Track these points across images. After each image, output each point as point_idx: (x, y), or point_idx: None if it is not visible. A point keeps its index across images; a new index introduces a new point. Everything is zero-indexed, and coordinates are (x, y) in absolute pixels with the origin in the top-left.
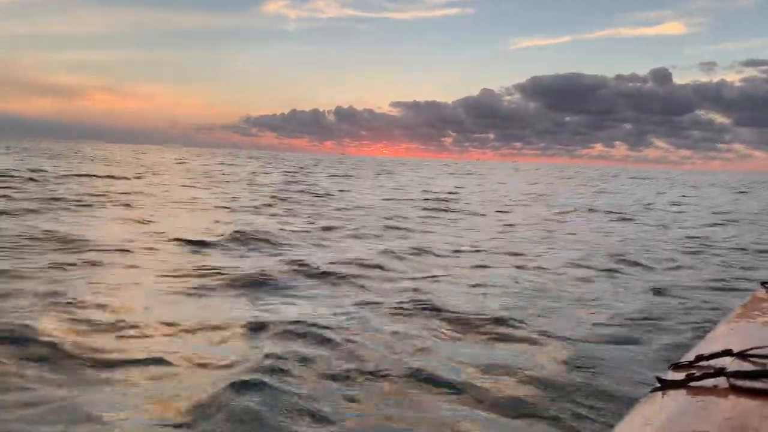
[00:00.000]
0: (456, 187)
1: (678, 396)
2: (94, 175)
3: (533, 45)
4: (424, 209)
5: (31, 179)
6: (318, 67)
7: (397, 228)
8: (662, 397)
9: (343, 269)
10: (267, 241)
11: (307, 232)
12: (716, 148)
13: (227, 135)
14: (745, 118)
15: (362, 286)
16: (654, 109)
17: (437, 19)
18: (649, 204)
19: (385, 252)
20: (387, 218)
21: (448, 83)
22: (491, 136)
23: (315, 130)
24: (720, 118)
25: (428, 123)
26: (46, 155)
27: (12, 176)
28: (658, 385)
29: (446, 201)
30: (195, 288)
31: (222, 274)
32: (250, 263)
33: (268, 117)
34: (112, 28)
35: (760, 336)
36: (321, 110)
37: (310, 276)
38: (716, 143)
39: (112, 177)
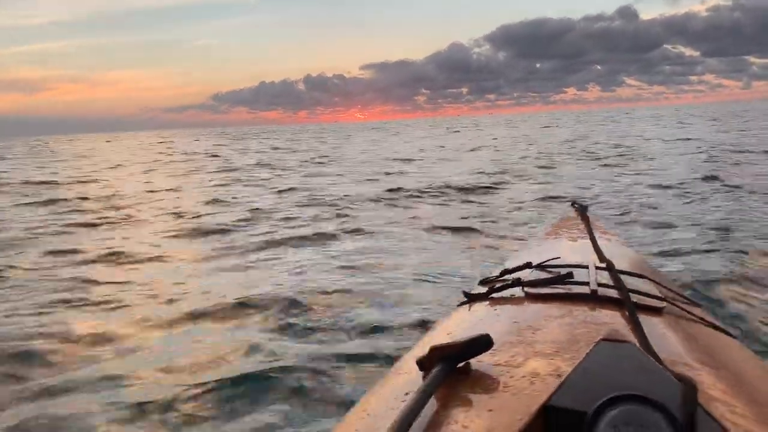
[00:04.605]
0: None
1: (480, 307)
2: None
3: None
4: None
5: None
6: (283, 37)
7: None
8: (468, 309)
9: None
10: None
11: None
12: (688, 81)
13: (198, 114)
14: (712, 48)
15: None
16: (623, 47)
17: None
18: None
19: None
20: None
21: (417, 40)
22: (464, 90)
23: (286, 101)
24: (689, 51)
25: (400, 83)
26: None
27: None
28: (465, 299)
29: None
30: None
31: None
32: None
33: (238, 92)
34: (68, 16)
35: (558, 250)
36: (290, 80)
37: None
38: (688, 76)
39: None
